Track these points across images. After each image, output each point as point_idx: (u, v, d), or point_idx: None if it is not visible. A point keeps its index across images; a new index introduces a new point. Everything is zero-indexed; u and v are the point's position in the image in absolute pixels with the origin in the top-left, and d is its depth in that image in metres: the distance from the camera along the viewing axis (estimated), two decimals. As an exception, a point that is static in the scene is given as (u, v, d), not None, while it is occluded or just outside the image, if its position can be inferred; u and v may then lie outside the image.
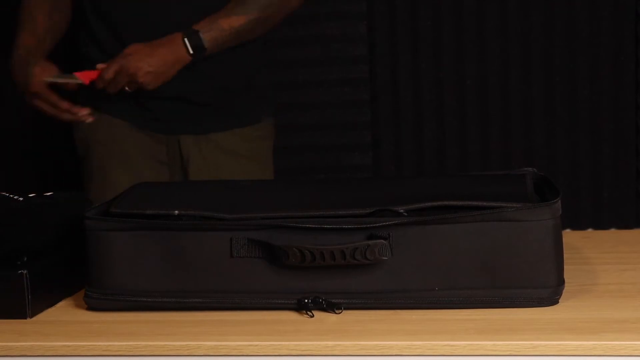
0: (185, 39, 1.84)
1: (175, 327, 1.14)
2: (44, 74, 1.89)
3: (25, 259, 1.23)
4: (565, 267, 1.24)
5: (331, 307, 1.16)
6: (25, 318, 1.19)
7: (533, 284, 1.15)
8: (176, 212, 1.20)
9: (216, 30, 1.85)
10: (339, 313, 1.16)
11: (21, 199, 1.37)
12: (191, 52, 1.84)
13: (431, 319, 1.12)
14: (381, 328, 1.10)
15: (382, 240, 1.13)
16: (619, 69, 2.08)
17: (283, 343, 1.06)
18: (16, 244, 1.26)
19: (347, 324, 1.12)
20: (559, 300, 1.17)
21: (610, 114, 2.08)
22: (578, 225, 2.06)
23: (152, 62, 1.83)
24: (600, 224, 2.06)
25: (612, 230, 2.05)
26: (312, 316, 1.15)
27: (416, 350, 1.04)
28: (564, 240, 1.20)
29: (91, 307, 1.22)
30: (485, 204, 1.16)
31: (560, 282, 1.17)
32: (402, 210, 1.18)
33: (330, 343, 1.06)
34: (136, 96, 1.94)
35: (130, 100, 1.96)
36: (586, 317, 1.11)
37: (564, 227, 2.03)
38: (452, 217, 1.14)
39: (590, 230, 2.06)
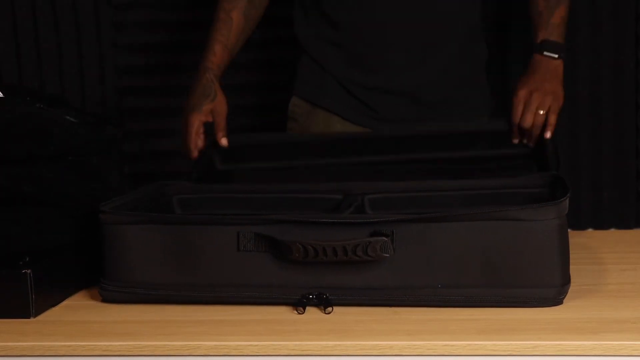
0: (545, 53, 1.76)
1: (175, 327, 1.14)
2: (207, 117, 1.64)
3: (28, 258, 1.23)
4: (565, 267, 1.25)
5: (329, 303, 1.16)
6: (29, 317, 1.19)
7: (537, 283, 1.14)
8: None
9: (552, 27, 1.78)
10: (329, 313, 1.16)
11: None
12: (557, 57, 1.75)
13: (431, 319, 1.12)
14: (381, 328, 1.10)
15: (384, 237, 1.13)
16: (619, 69, 2.07)
17: (283, 343, 1.06)
18: (19, 244, 1.26)
19: (347, 324, 1.12)
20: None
21: (610, 114, 2.07)
22: (578, 225, 2.05)
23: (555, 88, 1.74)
24: (600, 224, 2.06)
25: (612, 230, 2.05)
26: (302, 312, 1.16)
27: (416, 350, 1.04)
28: (564, 240, 1.20)
29: (105, 299, 1.24)
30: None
31: (566, 282, 1.16)
32: None
33: (330, 343, 1.06)
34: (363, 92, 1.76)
35: (349, 96, 1.77)
36: (586, 317, 1.11)
37: (564, 227, 2.05)
38: (456, 215, 1.14)
39: (590, 230, 2.05)
